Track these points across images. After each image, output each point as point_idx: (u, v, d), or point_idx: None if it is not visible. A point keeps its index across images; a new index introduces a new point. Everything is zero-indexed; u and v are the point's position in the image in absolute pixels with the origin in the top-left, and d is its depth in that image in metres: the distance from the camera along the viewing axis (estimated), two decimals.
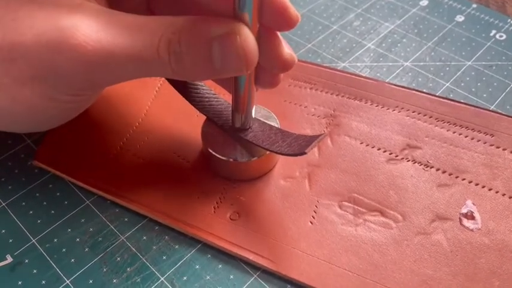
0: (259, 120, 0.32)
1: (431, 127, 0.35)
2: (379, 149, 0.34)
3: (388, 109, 0.36)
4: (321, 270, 0.28)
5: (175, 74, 0.26)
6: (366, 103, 0.37)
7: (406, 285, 0.27)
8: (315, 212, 0.31)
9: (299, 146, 0.29)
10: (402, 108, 0.36)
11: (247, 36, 0.25)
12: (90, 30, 0.25)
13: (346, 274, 0.28)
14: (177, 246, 0.30)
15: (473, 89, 0.38)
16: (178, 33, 0.25)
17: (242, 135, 0.31)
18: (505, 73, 0.40)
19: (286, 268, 0.28)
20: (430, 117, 0.36)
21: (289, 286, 0.28)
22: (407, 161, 0.33)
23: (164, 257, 0.29)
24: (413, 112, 0.36)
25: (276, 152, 0.30)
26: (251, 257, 0.29)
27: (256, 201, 0.31)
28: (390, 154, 0.34)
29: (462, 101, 0.37)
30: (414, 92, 0.37)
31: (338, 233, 0.30)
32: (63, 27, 0.25)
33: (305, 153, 0.28)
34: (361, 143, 0.34)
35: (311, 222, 0.30)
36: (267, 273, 0.29)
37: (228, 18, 0.25)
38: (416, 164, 0.33)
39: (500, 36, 0.43)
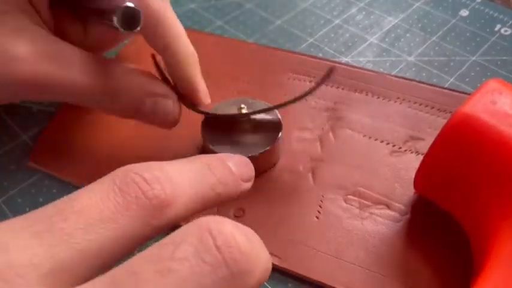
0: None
1: (434, 118, 0.34)
2: (382, 142, 0.33)
3: (389, 101, 0.36)
4: (329, 265, 0.28)
5: (104, 109, 0.30)
6: (366, 95, 0.36)
7: (414, 278, 0.27)
8: (321, 207, 0.30)
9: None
10: (404, 100, 0.36)
11: (177, 102, 0.30)
12: (32, 59, 0.26)
13: (354, 268, 0.27)
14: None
15: (478, 84, 0.38)
16: (117, 81, 0.28)
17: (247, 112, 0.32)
18: (510, 68, 0.39)
19: (294, 265, 0.28)
20: (432, 108, 0.35)
21: (290, 285, 0.28)
22: (411, 152, 0.33)
23: None
24: (414, 103, 0.35)
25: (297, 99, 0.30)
26: None
27: (260, 197, 0.31)
28: (393, 146, 0.33)
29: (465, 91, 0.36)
30: (415, 83, 0.37)
31: (344, 227, 0.29)
32: (8, 51, 0.26)
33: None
34: (364, 136, 0.34)
35: (317, 217, 0.30)
36: None
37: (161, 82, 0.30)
38: (420, 155, 0.32)
39: (505, 31, 0.42)
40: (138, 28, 0.26)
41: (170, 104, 0.29)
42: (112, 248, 0.16)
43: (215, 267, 0.15)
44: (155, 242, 0.16)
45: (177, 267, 0.15)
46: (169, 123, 0.30)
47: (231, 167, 0.22)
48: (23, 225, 0.16)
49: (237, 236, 0.16)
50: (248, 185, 0.23)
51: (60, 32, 0.31)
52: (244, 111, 0.32)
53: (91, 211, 0.16)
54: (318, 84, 0.29)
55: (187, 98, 0.30)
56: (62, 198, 0.17)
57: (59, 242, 0.15)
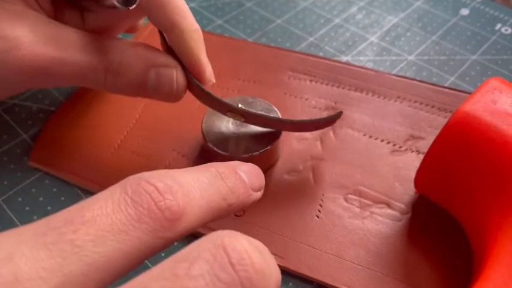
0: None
1: (434, 117, 0.34)
2: (382, 141, 0.33)
3: (389, 100, 0.36)
4: (329, 264, 0.28)
5: (107, 88, 0.29)
6: (367, 94, 0.36)
7: (415, 277, 0.27)
8: (321, 206, 0.30)
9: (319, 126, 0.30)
10: (404, 99, 0.36)
11: (181, 72, 0.29)
12: (33, 43, 0.26)
13: (355, 267, 0.27)
14: (176, 243, 0.29)
15: (478, 84, 0.38)
16: (120, 55, 0.28)
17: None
18: (511, 67, 0.39)
19: (295, 264, 0.28)
20: (432, 107, 0.35)
21: (291, 284, 0.28)
22: (412, 151, 0.33)
23: (163, 254, 0.28)
24: (415, 102, 0.35)
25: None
26: None
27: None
28: (394, 145, 0.33)
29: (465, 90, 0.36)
30: (415, 82, 0.37)
31: (345, 226, 0.29)
32: (8, 38, 0.26)
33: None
34: (364, 135, 0.34)
35: (317, 216, 0.30)
36: None
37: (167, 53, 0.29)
38: (420, 154, 0.32)
39: (506, 30, 0.42)
40: (134, 5, 0.26)
41: (174, 73, 0.29)
42: (122, 261, 0.16)
43: (230, 286, 0.15)
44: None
45: (192, 286, 0.15)
46: (174, 94, 0.29)
47: (242, 176, 0.22)
48: (31, 235, 0.15)
49: (251, 253, 0.16)
50: (259, 195, 0.23)
51: (58, 20, 0.30)
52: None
53: (102, 222, 0.16)
54: (322, 123, 0.30)
55: (192, 74, 0.30)
56: (71, 207, 0.17)
57: (68, 254, 0.15)
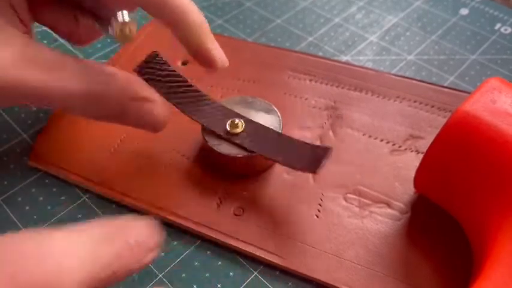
0: (253, 121, 0.32)
1: (434, 117, 0.34)
2: (382, 140, 0.33)
3: (389, 100, 0.36)
4: (329, 264, 0.28)
5: (88, 115, 0.28)
6: (366, 94, 0.36)
7: (415, 277, 0.27)
8: (320, 205, 0.30)
9: (308, 159, 0.28)
10: (404, 99, 0.36)
11: (161, 107, 0.28)
12: (15, 63, 0.25)
13: (355, 267, 0.27)
14: (175, 243, 0.29)
15: (478, 83, 0.38)
16: (101, 85, 0.27)
17: (238, 141, 0.30)
18: (511, 67, 0.39)
19: (294, 263, 0.28)
20: (432, 106, 0.35)
21: (290, 284, 0.28)
22: (411, 151, 0.33)
23: (162, 254, 0.28)
24: (414, 102, 0.35)
25: (282, 164, 0.29)
26: (258, 252, 0.28)
27: (260, 195, 0.31)
28: (393, 145, 0.33)
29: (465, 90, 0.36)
30: (415, 81, 0.37)
31: (344, 225, 0.29)
32: None
33: (316, 172, 0.27)
34: (364, 135, 0.34)
35: (317, 216, 0.30)
36: (268, 270, 0.28)
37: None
38: (420, 154, 0.32)
39: (505, 30, 0.42)
40: (132, 39, 0.26)
41: (156, 107, 0.28)
42: None
43: None
44: None
45: None
46: (156, 127, 0.29)
47: (130, 240, 0.19)
48: None
49: None
50: (153, 255, 0.20)
51: (52, 22, 0.30)
52: (238, 129, 0.31)
53: None
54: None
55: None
56: None
57: None
